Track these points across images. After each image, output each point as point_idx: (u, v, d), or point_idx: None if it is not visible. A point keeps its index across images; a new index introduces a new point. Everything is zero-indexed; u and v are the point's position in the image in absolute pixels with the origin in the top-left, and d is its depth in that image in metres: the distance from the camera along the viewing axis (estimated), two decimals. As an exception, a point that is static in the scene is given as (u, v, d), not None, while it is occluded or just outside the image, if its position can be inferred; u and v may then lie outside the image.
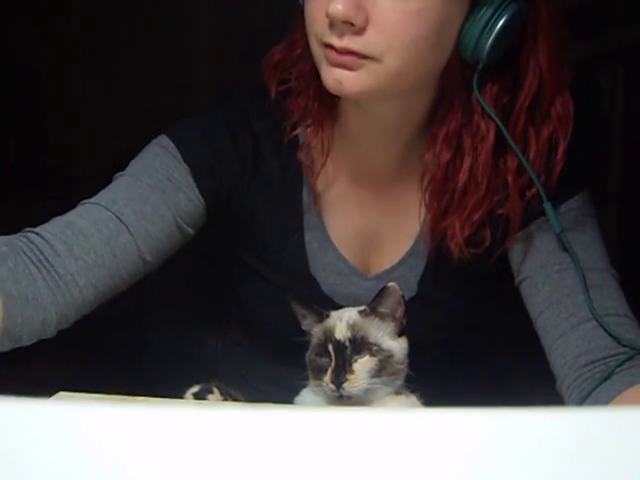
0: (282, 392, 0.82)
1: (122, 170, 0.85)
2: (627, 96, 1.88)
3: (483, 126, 0.81)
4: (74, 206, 0.82)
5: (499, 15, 0.74)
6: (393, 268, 0.91)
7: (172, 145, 0.85)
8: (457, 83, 0.81)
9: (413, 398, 0.79)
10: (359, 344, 0.75)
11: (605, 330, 0.76)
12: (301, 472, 0.31)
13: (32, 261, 0.75)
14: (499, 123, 0.79)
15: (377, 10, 0.71)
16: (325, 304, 0.87)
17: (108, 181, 0.85)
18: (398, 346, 0.78)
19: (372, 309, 0.78)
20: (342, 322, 0.77)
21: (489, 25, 0.74)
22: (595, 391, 0.74)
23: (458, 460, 0.31)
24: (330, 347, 0.76)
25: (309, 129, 0.87)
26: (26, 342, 0.74)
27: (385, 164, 0.89)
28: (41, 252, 0.76)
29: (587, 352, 0.77)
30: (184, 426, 0.33)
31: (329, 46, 0.73)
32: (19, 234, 0.78)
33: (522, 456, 0.31)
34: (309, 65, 0.83)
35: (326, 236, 0.90)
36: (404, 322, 0.78)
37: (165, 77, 2.02)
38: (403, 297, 0.77)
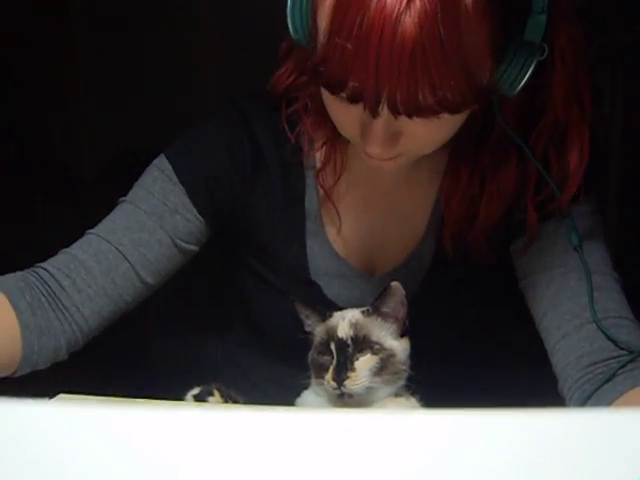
0: (284, 393, 0.82)
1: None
2: (627, 97, 1.88)
3: (504, 140, 0.81)
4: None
5: (524, 71, 0.71)
6: (397, 269, 0.91)
7: (169, 168, 0.87)
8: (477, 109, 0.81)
9: (413, 400, 0.79)
10: (361, 342, 0.76)
11: (604, 334, 0.77)
12: (301, 474, 0.31)
13: (43, 294, 0.82)
14: (519, 141, 0.79)
15: (409, 128, 0.71)
16: (328, 307, 0.87)
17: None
18: (400, 346, 0.78)
19: (375, 308, 0.78)
20: (345, 321, 0.78)
21: (515, 82, 0.71)
22: (597, 392, 0.74)
23: (458, 461, 0.31)
24: (332, 345, 0.76)
25: (323, 148, 0.88)
26: (42, 366, 0.82)
27: (394, 173, 0.89)
28: (49, 286, 0.82)
29: (589, 353, 0.77)
30: (185, 428, 0.33)
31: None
32: (30, 269, 0.84)
33: (523, 457, 0.31)
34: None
35: (328, 242, 0.91)
36: (407, 323, 0.79)
37: (166, 78, 2.02)
38: (406, 297, 0.77)
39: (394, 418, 0.34)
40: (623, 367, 0.74)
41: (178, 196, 0.87)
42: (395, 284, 0.77)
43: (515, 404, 0.35)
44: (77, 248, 0.85)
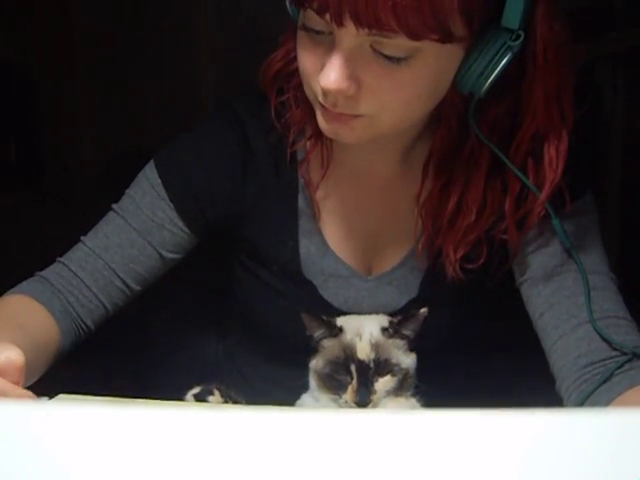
0: (282, 393, 0.82)
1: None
2: (627, 97, 1.88)
3: (477, 153, 0.81)
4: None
5: (499, 58, 0.71)
6: (394, 269, 0.91)
7: (159, 182, 0.89)
8: (453, 111, 0.81)
9: (413, 400, 0.79)
10: (383, 365, 0.77)
11: (600, 335, 0.77)
12: (301, 474, 0.31)
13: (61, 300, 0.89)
14: (497, 151, 0.78)
15: (368, 75, 0.70)
16: (324, 307, 0.87)
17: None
18: (411, 362, 0.80)
19: (396, 331, 0.79)
20: (363, 341, 0.79)
21: (488, 68, 0.72)
22: (594, 393, 0.74)
23: (458, 461, 0.31)
24: (352, 367, 0.77)
25: (309, 141, 0.87)
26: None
27: (384, 169, 0.89)
28: (61, 296, 0.88)
29: (587, 353, 0.77)
30: (184, 428, 0.33)
31: (323, 105, 0.74)
32: (38, 279, 0.90)
33: (522, 457, 0.31)
34: None
35: (323, 241, 0.90)
36: (414, 337, 0.80)
37: (166, 77, 2.02)
38: (426, 318, 0.79)
39: (394, 418, 0.34)
40: (620, 367, 0.74)
41: (166, 212, 0.89)
42: (424, 311, 0.79)
43: (515, 404, 0.35)
44: (76, 265, 0.90)
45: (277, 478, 0.31)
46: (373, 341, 0.78)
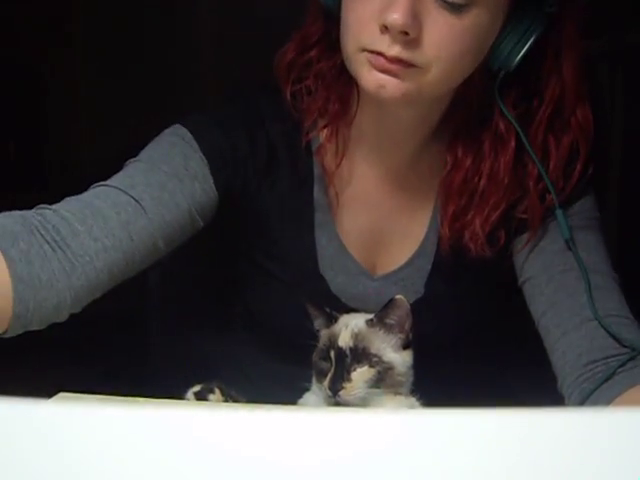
0: (285, 392, 0.82)
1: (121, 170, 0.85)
2: (627, 97, 1.88)
3: (503, 129, 0.83)
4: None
5: (532, 30, 0.77)
6: (400, 269, 0.91)
7: (189, 135, 0.84)
8: (478, 89, 0.83)
9: (412, 399, 0.79)
10: (360, 354, 0.76)
11: (606, 330, 0.77)
12: (300, 473, 0.31)
13: (47, 241, 0.71)
14: (517, 127, 0.82)
15: (431, 21, 0.72)
16: (333, 303, 0.87)
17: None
18: (400, 359, 0.78)
19: (379, 319, 0.78)
20: (347, 330, 0.78)
21: (523, 39, 0.77)
22: (596, 391, 0.74)
23: (457, 461, 0.31)
24: (332, 353, 0.77)
25: (325, 130, 0.87)
26: (36, 327, 0.71)
27: (398, 164, 0.89)
28: (58, 231, 0.72)
29: (588, 351, 0.77)
30: (185, 427, 0.33)
31: (377, 53, 0.74)
32: (34, 210, 0.75)
33: (522, 457, 0.31)
34: (329, 65, 0.84)
35: (336, 235, 0.90)
36: (410, 336, 0.79)
37: (166, 75, 2.02)
38: (411, 310, 0.77)
39: (394, 418, 0.34)
40: (622, 366, 0.74)
41: (199, 165, 0.82)
42: (400, 297, 0.77)
43: (515, 404, 0.35)
44: (91, 196, 0.77)
45: (277, 478, 0.31)
46: (356, 330, 0.78)
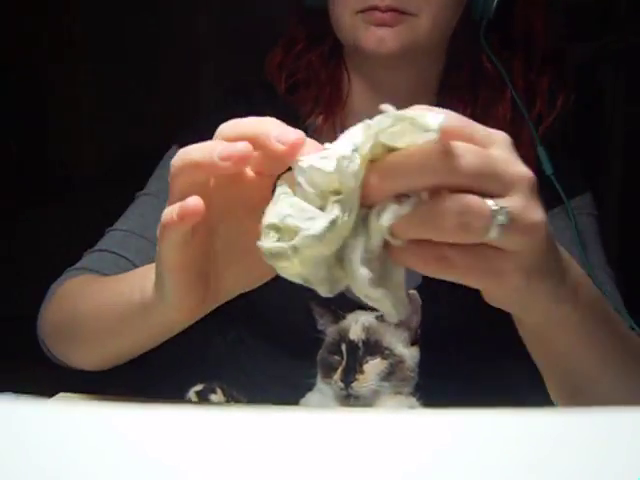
0: (287, 391, 0.82)
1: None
2: (627, 97, 1.89)
3: (497, 83, 0.85)
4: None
5: None
6: None
7: None
8: (463, 43, 0.86)
9: (412, 399, 0.79)
10: (372, 346, 0.77)
11: None
12: (300, 473, 0.31)
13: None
14: (502, 69, 0.84)
15: None
16: (338, 301, 0.87)
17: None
18: (409, 354, 0.79)
19: None
20: (358, 324, 0.79)
21: None
22: None
23: (458, 461, 0.31)
24: (343, 347, 0.77)
25: (320, 117, 0.89)
26: None
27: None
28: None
29: None
30: (186, 427, 0.33)
31: (371, 8, 0.78)
32: (75, 270, 0.82)
33: (521, 457, 0.31)
34: (316, 54, 0.88)
35: None
36: (419, 331, 0.80)
37: (166, 77, 2.02)
38: (422, 307, 0.78)
39: (394, 418, 0.34)
40: None
41: None
42: (412, 293, 0.77)
43: (515, 404, 0.35)
44: (117, 247, 0.84)
45: (277, 478, 0.31)
46: (367, 324, 0.79)
